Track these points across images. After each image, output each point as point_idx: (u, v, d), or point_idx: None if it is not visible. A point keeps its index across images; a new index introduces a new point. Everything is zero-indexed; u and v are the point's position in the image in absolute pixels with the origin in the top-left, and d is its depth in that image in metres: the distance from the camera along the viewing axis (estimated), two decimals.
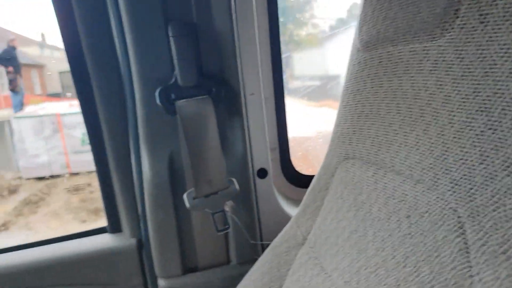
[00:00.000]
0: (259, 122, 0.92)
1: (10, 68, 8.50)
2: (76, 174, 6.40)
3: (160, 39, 0.76)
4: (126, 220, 0.97)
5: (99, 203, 5.38)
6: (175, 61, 0.76)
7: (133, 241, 0.95)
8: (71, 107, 7.14)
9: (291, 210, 1.01)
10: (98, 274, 0.94)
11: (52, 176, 6.36)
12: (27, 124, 6.29)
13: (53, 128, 6.27)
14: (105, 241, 0.98)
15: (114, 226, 1.00)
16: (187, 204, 0.80)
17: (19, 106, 8.88)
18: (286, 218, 0.96)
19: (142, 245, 0.95)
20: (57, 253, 0.96)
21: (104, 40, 0.83)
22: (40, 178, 6.33)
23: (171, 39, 0.75)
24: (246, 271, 0.78)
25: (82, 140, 6.34)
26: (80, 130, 6.31)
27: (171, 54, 0.77)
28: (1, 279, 0.90)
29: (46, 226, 4.89)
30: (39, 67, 15.70)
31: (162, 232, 0.86)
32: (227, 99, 0.82)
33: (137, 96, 0.80)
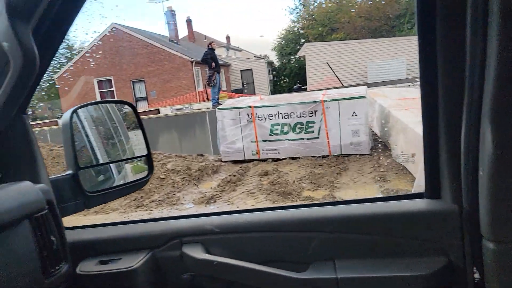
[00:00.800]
0: None
1: (213, 64, 9.79)
2: (264, 160, 7.17)
3: None
4: (449, 188, 1.01)
5: (287, 188, 5.91)
6: None
7: (454, 207, 1.01)
8: (262, 100, 7.95)
9: None
10: (416, 232, 1.04)
11: (244, 161, 7.28)
12: (227, 114, 7.24)
13: (248, 118, 7.10)
14: (423, 205, 1.07)
15: (433, 193, 1.06)
16: None
17: (216, 99, 10.22)
18: None
19: (462, 211, 1.01)
20: (377, 209, 1.10)
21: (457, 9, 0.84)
22: (235, 162, 7.30)
23: None
24: None
25: (270, 131, 7.06)
26: (269, 121, 7.02)
27: None
28: (338, 224, 1.10)
29: (243, 203, 5.62)
30: (226, 66, 17.71)
31: (498, 199, 0.88)
32: None
33: (490, 72, 0.80)
